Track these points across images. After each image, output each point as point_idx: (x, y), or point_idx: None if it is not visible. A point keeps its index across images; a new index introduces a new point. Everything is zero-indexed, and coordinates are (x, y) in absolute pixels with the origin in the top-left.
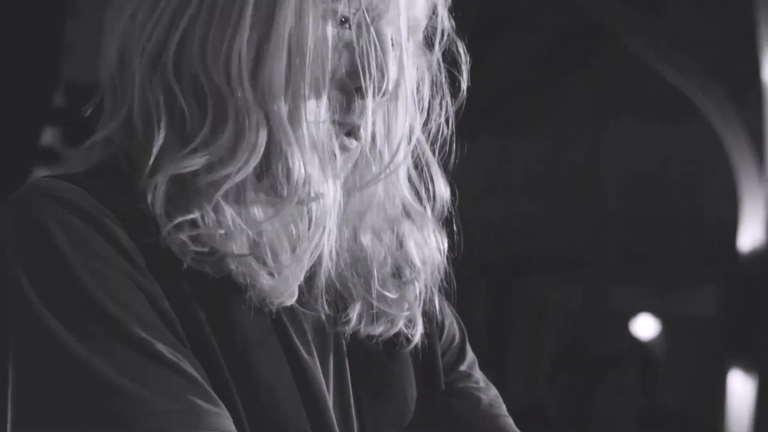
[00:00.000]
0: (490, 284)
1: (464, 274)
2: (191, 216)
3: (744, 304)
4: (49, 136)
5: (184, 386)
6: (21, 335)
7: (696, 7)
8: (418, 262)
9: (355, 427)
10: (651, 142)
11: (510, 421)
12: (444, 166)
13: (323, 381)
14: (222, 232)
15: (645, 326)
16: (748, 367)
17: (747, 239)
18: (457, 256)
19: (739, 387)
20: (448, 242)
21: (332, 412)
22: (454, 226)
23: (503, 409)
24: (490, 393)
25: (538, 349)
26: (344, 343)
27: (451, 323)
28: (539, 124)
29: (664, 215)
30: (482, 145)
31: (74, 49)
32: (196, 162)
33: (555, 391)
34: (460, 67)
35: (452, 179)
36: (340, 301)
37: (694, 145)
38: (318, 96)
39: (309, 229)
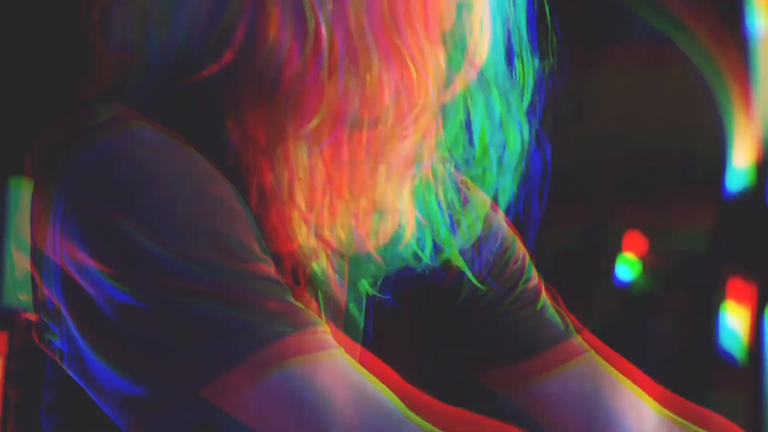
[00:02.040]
0: None
1: None
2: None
3: (733, 242)
4: None
5: (298, 308)
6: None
7: None
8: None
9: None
10: (636, 86)
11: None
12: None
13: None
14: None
15: (634, 264)
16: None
17: (734, 179)
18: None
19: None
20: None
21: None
22: None
23: (548, 311)
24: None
25: None
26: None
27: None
28: None
29: (653, 157)
30: None
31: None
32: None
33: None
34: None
35: None
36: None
37: (679, 87)
38: None
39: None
